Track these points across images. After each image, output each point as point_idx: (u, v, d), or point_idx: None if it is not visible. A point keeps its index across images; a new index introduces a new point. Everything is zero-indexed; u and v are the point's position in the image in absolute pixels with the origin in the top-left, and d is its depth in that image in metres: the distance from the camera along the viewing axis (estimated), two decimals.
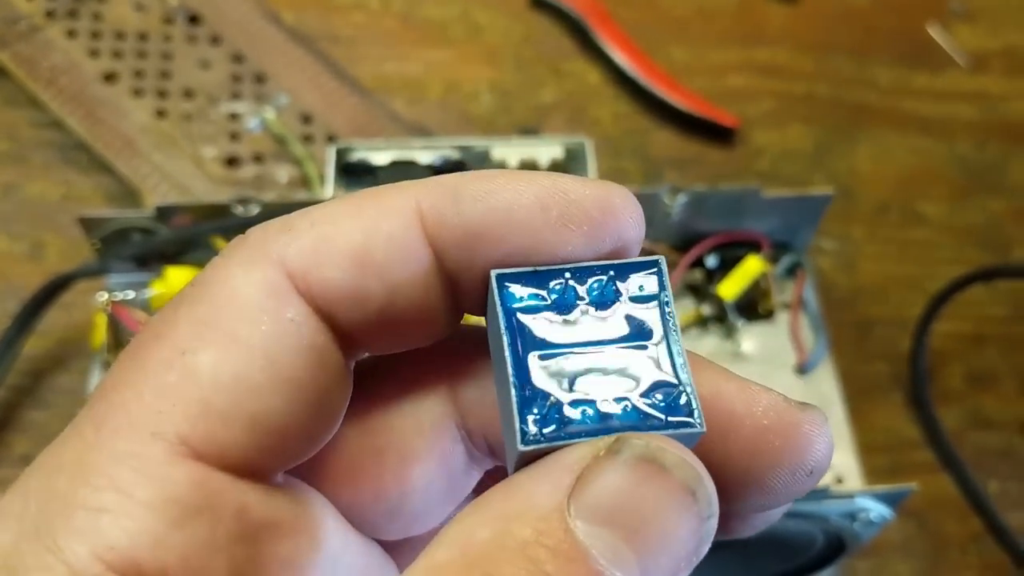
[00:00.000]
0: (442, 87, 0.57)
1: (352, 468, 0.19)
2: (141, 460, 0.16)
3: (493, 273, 0.17)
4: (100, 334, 0.42)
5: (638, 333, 0.17)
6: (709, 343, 0.47)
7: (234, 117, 0.53)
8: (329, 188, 0.44)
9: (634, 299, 0.18)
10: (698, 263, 0.48)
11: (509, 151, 0.46)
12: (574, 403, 0.16)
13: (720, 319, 0.47)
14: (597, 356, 0.17)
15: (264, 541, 0.17)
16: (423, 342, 0.19)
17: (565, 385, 0.17)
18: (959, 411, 0.51)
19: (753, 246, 0.47)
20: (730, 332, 0.47)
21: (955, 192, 0.57)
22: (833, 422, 0.46)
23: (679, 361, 0.17)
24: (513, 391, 0.16)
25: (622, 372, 0.17)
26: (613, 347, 0.17)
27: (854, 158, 0.58)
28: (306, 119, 0.53)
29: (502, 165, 0.46)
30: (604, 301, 0.17)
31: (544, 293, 0.17)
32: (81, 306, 0.46)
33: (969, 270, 0.49)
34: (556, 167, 0.47)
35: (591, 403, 0.16)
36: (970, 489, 0.47)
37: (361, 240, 0.17)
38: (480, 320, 0.19)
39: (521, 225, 0.17)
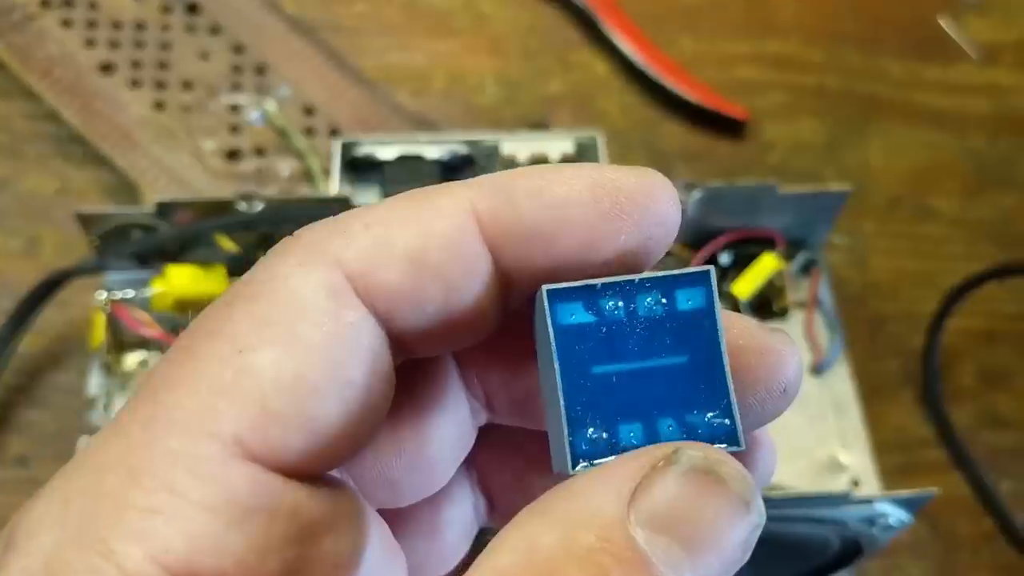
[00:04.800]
0: (446, 78, 0.56)
1: None
2: (196, 460, 0.16)
3: (544, 289, 0.17)
4: (99, 334, 0.41)
5: (685, 349, 0.18)
6: None
7: (234, 109, 0.52)
8: (335, 184, 0.43)
9: (683, 314, 0.18)
10: (711, 260, 0.47)
11: (519, 145, 0.45)
12: (622, 422, 0.17)
13: None
14: (644, 374, 0.17)
15: (314, 540, 0.17)
16: (470, 342, 0.19)
17: (613, 404, 0.17)
18: (971, 409, 0.50)
19: (767, 243, 0.46)
20: None
21: (967, 187, 0.57)
22: (849, 423, 0.45)
23: (723, 380, 0.17)
24: (563, 409, 0.17)
25: (669, 390, 0.17)
26: (660, 363, 0.18)
27: (866, 152, 0.57)
28: (308, 111, 0.52)
29: (512, 160, 0.45)
30: (652, 317, 0.18)
31: (593, 310, 0.18)
32: (78, 303, 0.45)
33: (981, 265, 0.49)
34: (567, 162, 0.46)
35: (637, 422, 0.17)
36: (982, 489, 0.47)
37: (418, 242, 0.17)
38: None
39: (576, 219, 0.18)
